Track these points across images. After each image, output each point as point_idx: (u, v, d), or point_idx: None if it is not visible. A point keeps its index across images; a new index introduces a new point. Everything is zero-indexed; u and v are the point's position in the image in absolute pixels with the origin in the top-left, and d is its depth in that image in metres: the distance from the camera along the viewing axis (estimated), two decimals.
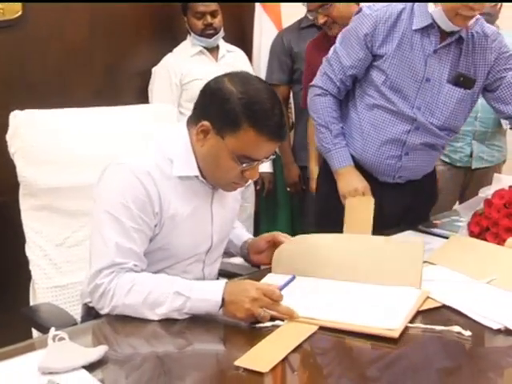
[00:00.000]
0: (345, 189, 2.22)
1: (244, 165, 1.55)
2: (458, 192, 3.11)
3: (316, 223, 2.51)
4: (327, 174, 2.34)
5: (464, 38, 2.12)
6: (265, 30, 3.51)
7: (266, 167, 3.24)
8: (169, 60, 3.17)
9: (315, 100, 2.27)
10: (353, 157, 2.27)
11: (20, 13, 2.68)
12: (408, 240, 1.96)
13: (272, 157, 1.62)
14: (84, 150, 1.95)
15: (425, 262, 1.86)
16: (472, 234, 2.03)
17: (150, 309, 1.48)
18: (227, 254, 1.92)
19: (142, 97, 3.15)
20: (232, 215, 1.81)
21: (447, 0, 2.01)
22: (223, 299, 1.47)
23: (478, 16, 2.13)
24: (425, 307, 1.56)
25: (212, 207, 1.70)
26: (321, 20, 2.72)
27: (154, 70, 3.18)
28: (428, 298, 1.60)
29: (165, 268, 1.66)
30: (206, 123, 1.54)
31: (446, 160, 3.04)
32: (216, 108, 1.54)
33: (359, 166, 2.27)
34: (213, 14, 3.14)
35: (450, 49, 2.13)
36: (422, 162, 2.28)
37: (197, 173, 1.63)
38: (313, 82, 2.30)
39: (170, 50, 3.21)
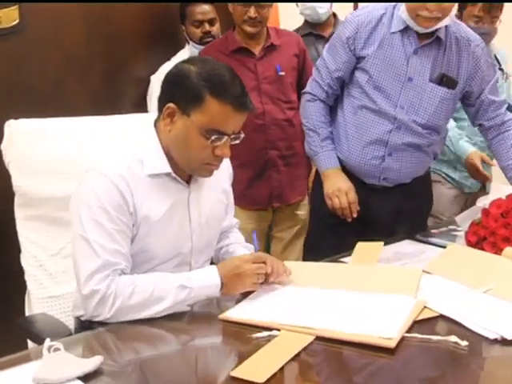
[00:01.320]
0: (329, 189, 2.29)
1: (213, 138, 1.57)
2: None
3: (312, 231, 2.53)
4: (320, 183, 2.38)
5: (443, 40, 2.18)
6: None
7: None
8: (167, 68, 3.06)
9: (305, 106, 2.38)
10: (340, 160, 2.34)
11: (17, 21, 2.68)
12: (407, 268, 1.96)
13: (242, 135, 1.64)
14: (80, 160, 1.93)
15: (422, 271, 1.88)
16: (469, 244, 2.04)
17: (154, 305, 1.53)
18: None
19: (141, 105, 3.16)
20: (215, 215, 1.82)
21: (420, 0, 2.09)
22: (221, 282, 1.58)
23: (459, 22, 2.29)
24: (421, 317, 1.57)
25: (189, 206, 1.72)
26: (253, 14, 2.76)
27: (152, 78, 3.18)
28: (425, 307, 1.61)
29: (148, 270, 1.67)
30: (171, 105, 1.59)
31: (455, 185, 2.99)
32: (178, 87, 1.58)
33: (346, 170, 2.34)
34: (211, 22, 3.16)
35: (430, 49, 2.20)
36: (407, 163, 2.31)
37: (168, 169, 1.65)
38: (304, 89, 2.40)
39: (169, 59, 3.21)
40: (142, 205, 1.61)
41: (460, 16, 2.73)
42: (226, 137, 1.59)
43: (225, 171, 1.85)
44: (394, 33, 2.19)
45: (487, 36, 2.71)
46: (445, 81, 2.22)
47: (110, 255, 1.55)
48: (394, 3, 2.21)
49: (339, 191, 2.27)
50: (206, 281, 1.59)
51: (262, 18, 2.79)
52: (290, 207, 2.99)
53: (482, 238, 2.00)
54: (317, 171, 2.47)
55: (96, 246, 1.54)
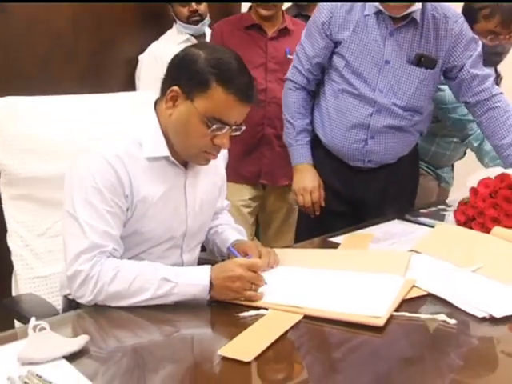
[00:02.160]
0: (296, 185, 2.33)
1: (214, 126, 1.54)
2: None
3: (301, 215, 2.54)
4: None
5: (418, 21, 2.16)
6: None
7: None
8: (155, 48, 3.15)
9: (286, 94, 2.38)
10: (323, 143, 2.33)
11: None
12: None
13: (243, 128, 1.61)
14: (66, 139, 1.92)
15: (410, 250, 1.88)
16: (458, 223, 2.04)
17: (134, 296, 1.49)
18: (211, 253, 1.92)
19: (129, 85, 3.13)
20: (210, 199, 1.80)
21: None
22: (211, 283, 1.50)
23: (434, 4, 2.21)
24: (410, 296, 1.57)
25: (186, 190, 1.70)
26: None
27: (140, 57, 3.17)
28: (413, 286, 1.61)
29: (140, 253, 1.65)
30: (175, 88, 1.55)
31: (435, 176, 2.90)
32: (184, 71, 1.55)
33: (330, 153, 2.34)
34: (198, 1, 3.13)
35: (407, 30, 2.18)
36: (390, 144, 2.30)
37: (167, 153, 1.62)
38: (286, 76, 2.39)
39: (157, 38, 3.19)
40: (138, 187, 1.59)
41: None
42: (227, 127, 1.56)
43: (221, 154, 1.81)
44: (367, 15, 2.17)
45: (503, 55, 2.51)
46: (423, 61, 2.19)
47: (99, 237, 1.52)
48: None
49: (304, 190, 2.29)
50: (193, 279, 1.51)
51: (276, 3, 2.83)
52: (280, 189, 2.99)
53: (471, 218, 2.00)
54: None
55: (85, 227, 1.52)
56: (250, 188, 2.94)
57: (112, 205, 1.55)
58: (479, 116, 2.26)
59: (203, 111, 1.53)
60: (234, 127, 1.57)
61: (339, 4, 2.19)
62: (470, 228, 1.98)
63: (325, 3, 2.23)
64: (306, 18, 3.12)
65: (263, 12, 2.81)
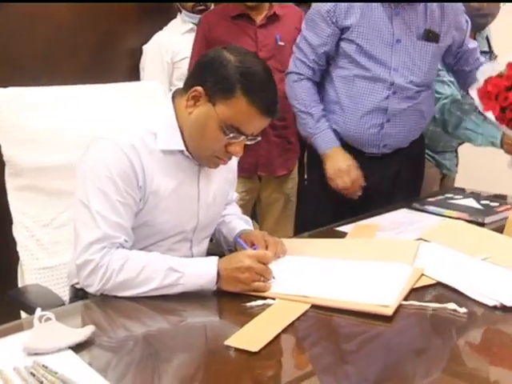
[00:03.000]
0: (330, 170, 2.26)
1: (231, 135, 1.52)
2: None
3: (306, 204, 2.52)
4: (314, 161, 2.36)
5: None
6: None
7: None
8: (160, 38, 3.13)
9: (293, 86, 2.32)
10: (336, 132, 2.30)
11: None
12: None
13: (259, 138, 1.59)
14: (69, 129, 1.91)
15: (418, 239, 1.86)
16: (488, 96, 1.99)
17: (141, 285, 1.48)
18: (218, 245, 1.91)
19: (133, 76, 3.12)
20: (221, 193, 1.79)
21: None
22: (218, 274, 1.48)
23: None
24: (419, 284, 1.55)
25: (199, 184, 1.68)
26: None
27: (144, 47, 3.15)
28: (422, 275, 1.59)
29: (150, 245, 1.64)
30: (198, 88, 1.53)
31: (435, 163, 2.86)
32: (212, 73, 1.53)
33: (344, 141, 2.30)
34: None
35: (411, 8, 2.19)
36: (405, 126, 2.30)
37: (181, 147, 1.61)
38: (287, 70, 2.35)
39: (161, 28, 3.17)
40: (152, 179, 1.57)
41: None
42: (243, 137, 1.54)
43: None
44: None
45: (489, 17, 2.61)
46: (431, 36, 2.23)
47: (111, 228, 1.51)
48: None
49: (340, 171, 2.23)
50: (200, 269, 1.50)
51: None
52: (276, 180, 2.96)
53: (506, 89, 1.94)
54: (309, 145, 2.45)
55: (98, 217, 1.51)
56: (245, 180, 2.89)
57: (125, 195, 1.53)
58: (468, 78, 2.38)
59: (223, 118, 1.51)
60: (249, 137, 1.56)
61: None
62: (505, 99, 1.94)
63: None
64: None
65: (249, 3, 2.76)
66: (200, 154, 1.61)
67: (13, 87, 1.89)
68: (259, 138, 1.60)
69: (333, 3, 2.18)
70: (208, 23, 2.83)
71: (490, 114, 2.00)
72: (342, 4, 2.18)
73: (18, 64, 2.68)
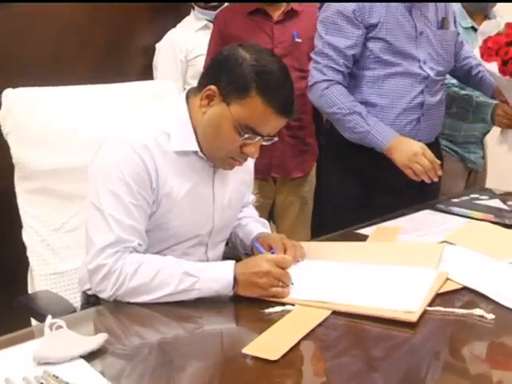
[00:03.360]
0: (403, 159, 2.11)
1: (246, 135, 1.50)
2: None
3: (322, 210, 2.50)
4: (329, 159, 2.35)
5: None
6: None
7: None
8: (173, 35, 3.12)
9: (325, 94, 2.21)
10: None
11: None
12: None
13: (276, 139, 1.57)
14: (81, 130, 1.90)
15: (443, 241, 1.83)
16: (488, 52, 2.07)
17: (155, 291, 1.46)
18: (234, 248, 1.89)
19: (146, 74, 3.11)
20: (238, 195, 1.77)
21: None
22: (235, 279, 1.47)
23: None
24: (444, 290, 1.52)
25: (214, 186, 1.66)
26: None
27: (157, 45, 3.15)
28: (447, 279, 1.56)
29: (164, 249, 1.62)
30: (212, 87, 1.52)
31: (458, 157, 2.81)
32: (226, 72, 1.51)
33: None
34: None
35: None
36: (435, 119, 2.32)
37: (195, 148, 1.59)
38: (312, 81, 2.25)
39: (174, 26, 3.17)
40: (165, 181, 1.56)
41: None
42: (259, 137, 1.52)
43: None
44: None
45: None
46: (446, 23, 2.28)
47: (124, 231, 1.50)
48: None
49: (415, 155, 2.09)
50: (216, 274, 1.48)
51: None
52: (292, 182, 2.93)
53: (506, 44, 2.02)
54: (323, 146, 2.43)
55: (111, 220, 1.49)
56: (260, 183, 2.84)
57: (138, 198, 1.52)
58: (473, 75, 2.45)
59: (238, 118, 1.49)
60: (266, 138, 1.54)
61: None
62: (506, 53, 2.01)
63: None
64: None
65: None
66: (214, 155, 1.59)
67: (22, 88, 1.88)
68: (276, 139, 1.58)
69: (356, 3, 2.15)
70: (224, 19, 2.81)
71: (492, 66, 2.06)
72: (366, 3, 2.16)
73: (26, 64, 2.67)
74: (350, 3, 2.16)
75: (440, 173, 2.12)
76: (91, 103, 1.98)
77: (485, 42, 2.09)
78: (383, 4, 2.16)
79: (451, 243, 1.82)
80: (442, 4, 2.28)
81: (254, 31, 2.73)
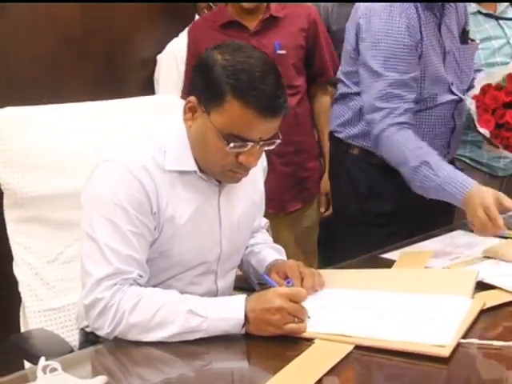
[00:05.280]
0: (469, 216, 2.00)
1: (232, 144, 1.49)
2: None
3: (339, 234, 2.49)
4: (339, 170, 2.37)
5: None
6: None
7: None
8: (175, 46, 3.16)
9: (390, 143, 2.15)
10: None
11: None
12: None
13: (278, 141, 1.55)
14: (76, 152, 1.91)
15: (484, 256, 1.90)
16: (483, 106, 2.07)
17: (157, 329, 1.46)
18: (245, 276, 1.88)
19: (147, 87, 3.15)
20: (247, 218, 1.77)
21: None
22: (246, 316, 1.46)
23: None
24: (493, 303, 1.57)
25: (219, 207, 1.66)
26: None
27: (159, 57, 3.19)
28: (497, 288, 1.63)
29: (168, 279, 1.63)
30: (192, 98, 1.53)
31: (485, 170, 2.80)
32: (199, 79, 1.53)
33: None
34: None
35: (449, 9, 2.20)
36: (458, 139, 2.34)
37: (193, 167, 1.59)
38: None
39: (177, 35, 3.20)
40: (167, 204, 1.56)
41: None
42: (250, 144, 1.51)
43: (259, 166, 1.74)
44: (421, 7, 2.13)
45: None
46: (467, 36, 2.27)
47: (122, 262, 1.50)
48: None
49: (477, 216, 1.94)
50: (225, 312, 1.47)
51: None
52: (289, 216, 2.86)
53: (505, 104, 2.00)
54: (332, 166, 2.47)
55: (107, 251, 1.50)
56: None
57: (137, 224, 1.52)
58: None
59: (220, 127, 1.49)
60: (261, 143, 1.53)
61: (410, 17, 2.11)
62: (502, 116, 2.01)
63: (396, 25, 2.09)
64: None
65: (246, 5, 2.65)
66: (213, 171, 1.59)
67: (11, 107, 1.90)
68: (279, 141, 1.56)
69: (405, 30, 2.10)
70: (194, 37, 2.77)
71: (484, 131, 2.07)
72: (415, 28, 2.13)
73: (18, 77, 2.71)
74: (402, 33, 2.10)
75: (502, 229, 1.95)
76: (88, 122, 1.99)
77: (482, 91, 2.07)
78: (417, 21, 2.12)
79: (491, 257, 1.87)
80: (463, 11, 2.27)
81: None
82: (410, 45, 2.09)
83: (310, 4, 2.93)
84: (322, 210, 2.98)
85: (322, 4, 3.16)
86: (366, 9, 2.13)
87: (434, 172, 2.03)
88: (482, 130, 2.09)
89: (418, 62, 2.13)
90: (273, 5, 2.68)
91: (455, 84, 2.23)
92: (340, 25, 3.01)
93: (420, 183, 2.09)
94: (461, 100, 2.25)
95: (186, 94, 2.60)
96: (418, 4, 2.12)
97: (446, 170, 2.04)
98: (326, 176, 2.81)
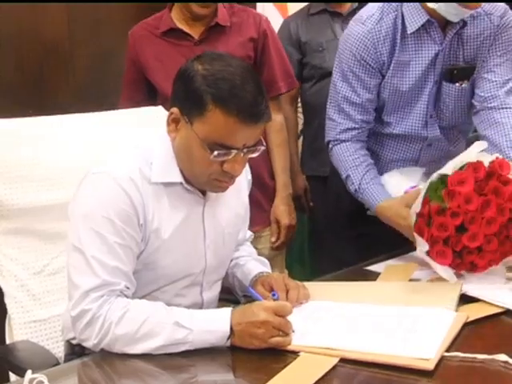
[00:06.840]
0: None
1: (216, 153, 1.50)
2: None
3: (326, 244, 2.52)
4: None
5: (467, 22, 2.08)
6: (268, 17, 3.42)
7: None
8: None
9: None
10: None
11: None
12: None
13: (262, 148, 1.57)
14: (63, 164, 1.92)
15: None
16: (432, 239, 1.75)
17: (143, 340, 1.47)
18: (230, 292, 1.89)
19: None
20: (232, 231, 1.78)
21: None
22: (231, 329, 1.47)
23: None
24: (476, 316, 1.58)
25: (204, 219, 1.68)
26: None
27: None
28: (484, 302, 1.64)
29: (154, 291, 1.64)
30: (174, 110, 1.55)
31: None
32: (180, 90, 1.55)
33: None
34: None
35: (452, 40, 2.10)
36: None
37: (179, 179, 1.61)
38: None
39: None
40: (153, 216, 1.58)
41: None
42: (234, 151, 1.53)
43: (243, 179, 1.79)
44: (412, 34, 2.07)
45: None
46: (455, 74, 2.13)
47: (109, 274, 1.51)
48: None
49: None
50: (211, 324, 1.48)
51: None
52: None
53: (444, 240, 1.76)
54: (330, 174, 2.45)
55: (93, 263, 1.51)
56: None
57: (124, 236, 1.54)
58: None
59: (202, 136, 1.51)
60: (245, 150, 1.54)
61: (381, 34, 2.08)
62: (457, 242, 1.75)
63: (363, 35, 2.08)
64: (333, 14, 3.11)
65: (198, 10, 2.46)
66: (198, 181, 1.61)
67: None
68: (263, 147, 1.58)
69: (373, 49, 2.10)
70: (134, 45, 2.59)
71: (444, 272, 1.77)
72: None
73: (3, 89, 2.70)
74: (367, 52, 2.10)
75: None
76: (77, 134, 2.00)
77: (422, 222, 1.77)
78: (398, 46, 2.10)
79: None
80: (473, 48, 2.13)
81: (170, 56, 2.49)
82: (370, 65, 2.10)
83: (260, 13, 2.87)
84: (273, 239, 2.70)
85: (292, 17, 3.23)
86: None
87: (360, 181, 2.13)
88: (442, 272, 1.78)
89: (377, 84, 2.13)
90: (220, 12, 2.51)
91: (435, 118, 2.19)
92: (309, 37, 3.08)
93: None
94: (436, 137, 2.20)
95: (125, 98, 2.60)
96: (409, 27, 2.06)
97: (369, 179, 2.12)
98: (277, 201, 2.66)
